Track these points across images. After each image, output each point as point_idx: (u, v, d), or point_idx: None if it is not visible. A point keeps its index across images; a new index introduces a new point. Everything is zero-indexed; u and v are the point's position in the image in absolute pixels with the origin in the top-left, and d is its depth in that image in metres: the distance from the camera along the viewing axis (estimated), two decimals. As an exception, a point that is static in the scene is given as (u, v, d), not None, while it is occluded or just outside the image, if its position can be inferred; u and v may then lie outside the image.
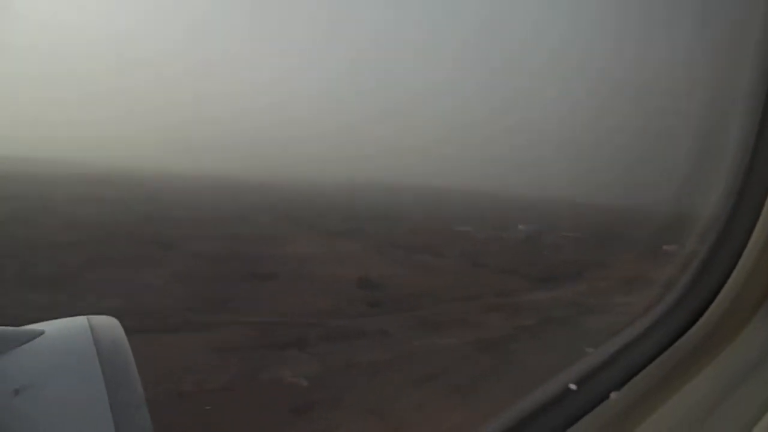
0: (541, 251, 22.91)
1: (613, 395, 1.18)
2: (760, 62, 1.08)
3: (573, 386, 1.21)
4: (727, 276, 1.11)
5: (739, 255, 1.10)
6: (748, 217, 1.08)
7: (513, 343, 12.73)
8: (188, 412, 8.39)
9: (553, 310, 14.99)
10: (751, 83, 1.08)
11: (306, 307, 14.27)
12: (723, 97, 1.30)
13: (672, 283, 1.20)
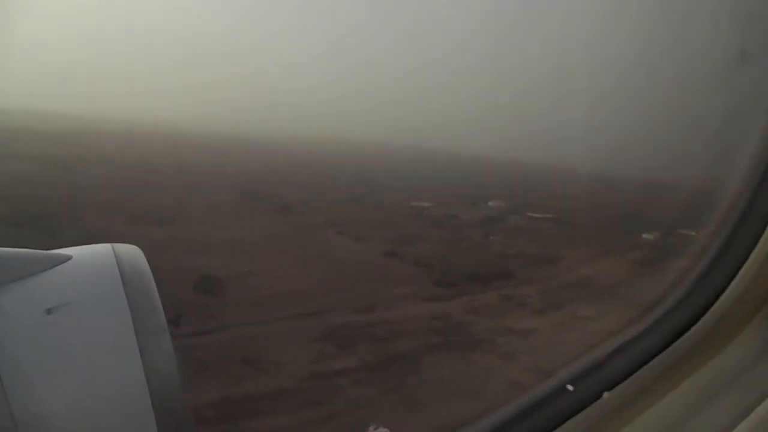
0: (489, 236, 20.46)
1: (605, 395, 1.19)
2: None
3: (570, 387, 1.22)
4: (729, 281, 1.12)
5: (743, 261, 1.10)
6: (753, 227, 1.08)
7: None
8: None
9: (407, 341, 11.44)
10: None
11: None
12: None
13: (674, 284, 1.20)
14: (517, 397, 1.27)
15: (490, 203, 24.10)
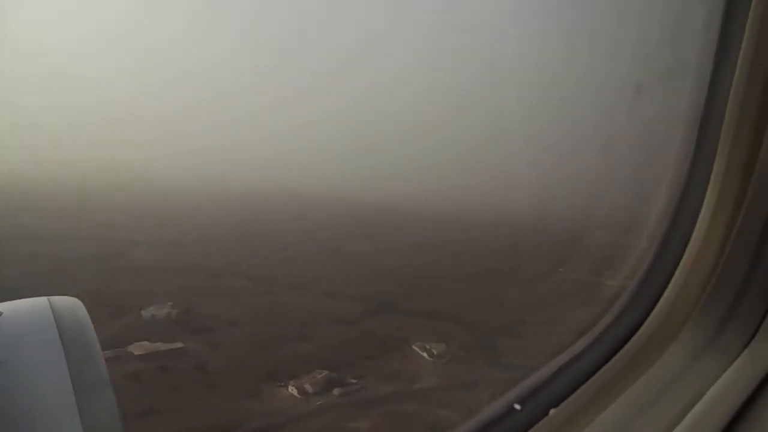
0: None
1: (552, 412, 1.22)
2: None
3: (517, 406, 1.24)
4: (658, 297, 1.19)
5: (671, 276, 1.18)
6: (678, 242, 1.17)
7: None
8: None
9: None
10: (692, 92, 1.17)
11: None
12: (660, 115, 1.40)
13: (611, 301, 1.27)
14: (466, 420, 1.27)
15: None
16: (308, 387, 12.72)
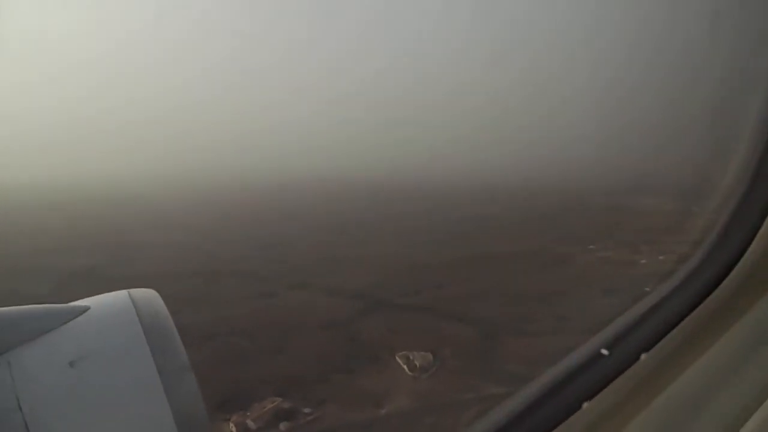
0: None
1: (643, 356, 1.15)
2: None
3: (605, 351, 1.17)
4: (753, 236, 1.15)
5: (764, 217, 1.14)
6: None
7: None
8: None
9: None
10: None
11: None
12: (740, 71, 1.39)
13: (698, 243, 1.22)
14: (552, 366, 1.19)
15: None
16: (251, 423, 12.10)
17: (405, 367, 14.42)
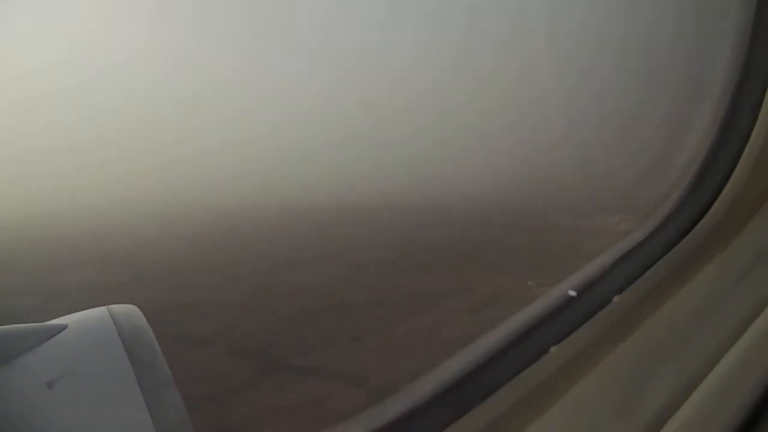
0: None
1: (615, 299, 1.11)
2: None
3: (572, 293, 1.13)
4: (728, 176, 1.12)
5: (739, 155, 1.11)
6: (747, 116, 1.10)
7: None
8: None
9: None
10: None
11: None
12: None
13: (674, 186, 1.19)
14: (523, 309, 1.14)
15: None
16: None
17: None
